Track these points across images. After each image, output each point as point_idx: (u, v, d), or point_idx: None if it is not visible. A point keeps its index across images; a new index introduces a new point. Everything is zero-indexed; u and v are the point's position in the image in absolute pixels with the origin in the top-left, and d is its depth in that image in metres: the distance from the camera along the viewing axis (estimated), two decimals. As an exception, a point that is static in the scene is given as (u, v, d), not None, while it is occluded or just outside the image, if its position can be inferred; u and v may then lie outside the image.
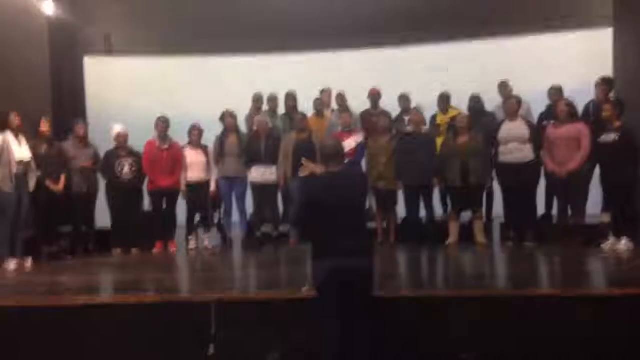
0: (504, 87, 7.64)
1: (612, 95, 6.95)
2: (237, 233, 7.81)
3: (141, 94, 9.92)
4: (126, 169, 7.34)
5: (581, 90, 7.37)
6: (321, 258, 3.83)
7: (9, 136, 6.36)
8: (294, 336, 4.04)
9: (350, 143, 7.17)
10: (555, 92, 7.24)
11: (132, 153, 7.45)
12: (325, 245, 3.83)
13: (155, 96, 9.64)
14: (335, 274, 3.72)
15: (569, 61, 9.01)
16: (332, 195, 3.81)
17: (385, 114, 7.76)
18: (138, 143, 7.54)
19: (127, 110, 9.35)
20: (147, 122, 7.59)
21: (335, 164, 3.95)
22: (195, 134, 7.56)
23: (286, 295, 4.49)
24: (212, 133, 7.70)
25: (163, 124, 7.45)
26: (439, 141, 7.23)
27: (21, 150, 6.45)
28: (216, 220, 7.98)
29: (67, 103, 9.41)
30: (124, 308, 4.38)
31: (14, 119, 6.45)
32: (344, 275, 3.72)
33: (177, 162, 7.43)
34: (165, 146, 7.42)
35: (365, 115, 8.13)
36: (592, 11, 9.19)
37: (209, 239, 7.63)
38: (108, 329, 4.25)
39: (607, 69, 7.91)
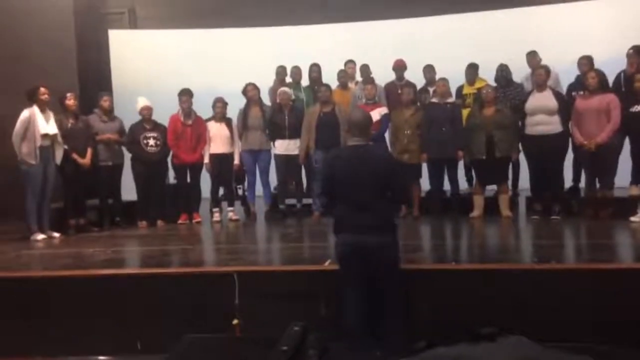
0: (532, 57, 7.45)
1: (644, 65, 6.75)
2: (260, 206, 7.83)
3: (165, 66, 9.89)
4: (151, 142, 7.37)
5: (612, 61, 7.17)
6: (342, 232, 3.84)
7: (36, 110, 6.44)
8: (316, 308, 4.06)
9: (374, 115, 7.07)
10: (586, 62, 7.00)
11: (157, 126, 7.47)
12: (346, 219, 3.82)
13: (179, 69, 9.61)
14: (355, 249, 3.73)
15: (601, 30, 8.71)
16: (356, 168, 3.79)
17: (410, 85, 7.66)
18: (163, 115, 7.55)
19: (151, 83, 9.35)
20: (172, 94, 7.58)
21: (362, 136, 3.92)
22: (220, 107, 7.53)
23: (309, 267, 4.51)
24: (236, 106, 7.67)
25: (186, 98, 7.44)
26: (465, 113, 7.13)
27: (47, 125, 6.53)
28: (240, 193, 8.02)
29: (93, 77, 9.45)
30: (150, 279, 4.45)
31: (43, 94, 6.54)
32: (364, 250, 3.71)
33: (200, 137, 7.44)
34: (190, 122, 7.42)
35: (389, 87, 8.03)
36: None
37: (233, 212, 7.67)
38: (134, 300, 4.32)
39: (639, 39, 7.67)
